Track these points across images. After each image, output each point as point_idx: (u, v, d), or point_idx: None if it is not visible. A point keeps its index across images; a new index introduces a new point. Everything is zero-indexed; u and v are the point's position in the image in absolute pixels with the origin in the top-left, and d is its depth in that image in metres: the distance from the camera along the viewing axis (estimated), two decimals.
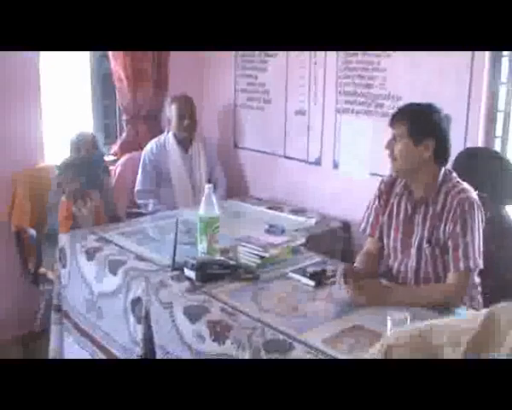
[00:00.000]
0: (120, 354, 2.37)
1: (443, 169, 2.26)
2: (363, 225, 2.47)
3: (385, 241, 2.40)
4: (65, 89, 3.97)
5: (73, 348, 2.70)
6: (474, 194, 2.21)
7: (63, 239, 2.77)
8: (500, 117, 3.00)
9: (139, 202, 3.72)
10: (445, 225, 2.19)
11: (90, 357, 2.57)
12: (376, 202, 2.42)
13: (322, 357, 1.75)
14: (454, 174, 2.27)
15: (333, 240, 3.33)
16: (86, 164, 3.27)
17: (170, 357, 2.12)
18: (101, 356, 2.49)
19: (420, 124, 2.21)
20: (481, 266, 2.16)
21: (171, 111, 3.76)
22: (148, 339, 2.21)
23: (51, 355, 2.85)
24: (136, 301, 2.26)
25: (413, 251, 2.29)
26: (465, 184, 2.24)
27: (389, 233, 2.37)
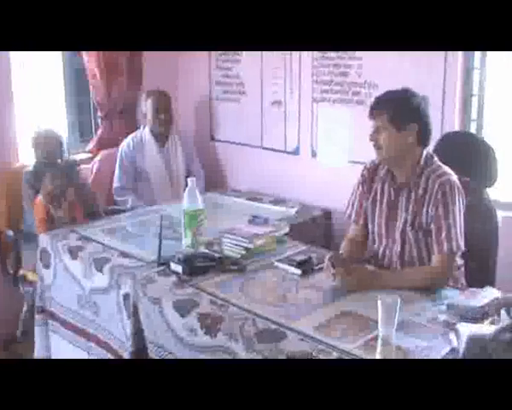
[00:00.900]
0: (118, 348, 2.35)
1: (424, 153, 2.28)
2: (348, 212, 2.48)
3: (369, 226, 2.41)
4: (37, 86, 3.90)
5: (63, 348, 2.67)
6: (454, 177, 2.24)
7: (44, 240, 2.73)
8: (474, 101, 3.05)
9: (117, 199, 3.69)
10: (428, 209, 2.22)
11: (84, 353, 2.55)
12: (360, 188, 2.43)
13: (316, 344, 1.76)
14: (435, 158, 2.29)
15: (314, 228, 3.36)
16: (59, 164, 3.23)
17: (163, 352, 2.11)
18: (99, 351, 2.47)
19: (399, 111, 2.23)
20: (463, 248, 2.20)
21: (146, 106, 3.73)
22: (139, 334, 2.20)
23: (37, 356, 2.81)
24: (127, 297, 2.25)
25: (397, 235, 2.31)
26: (446, 168, 2.26)
27: (373, 218, 2.39)
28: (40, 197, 3.13)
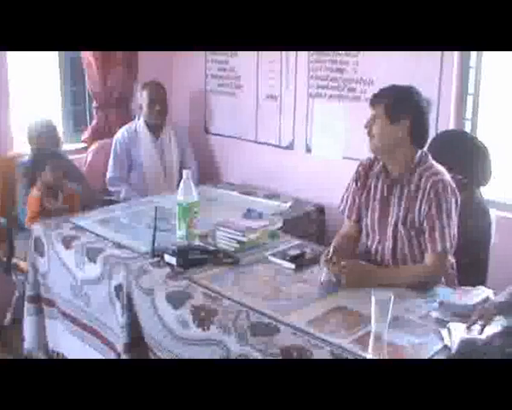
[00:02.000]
0: (111, 338, 2.35)
1: (419, 151, 2.29)
2: (341, 207, 2.49)
3: (363, 222, 2.43)
4: (32, 75, 3.89)
5: (61, 334, 2.66)
6: (447, 176, 2.24)
7: (38, 229, 2.72)
8: (470, 100, 3.06)
9: (111, 189, 3.69)
10: (420, 207, 2.23)
11: (80, 342, 2.55)
12: (354, 185, 2.44)
13: (308, 338, 1.77)
14: (429, 157, 2.30)
15: (308, 223, 3.37)
16: (57, 155, 3.23)
17: (154, 343, 2.12)
18: (93, 340, 2.47)
19: (397, 103, 2.24)
20: (455, 246, 2.21)
21: (142, 97, 3.72)
22: (135, 325, 2.20)
23: (26, 348, 2.81)
24: (119, 288, 2.25)
25: (389, 232, 2.32)
26: (439, 167, 2.27)
27: (367, 214, 2.40)
28: (35, 190, 3.12)
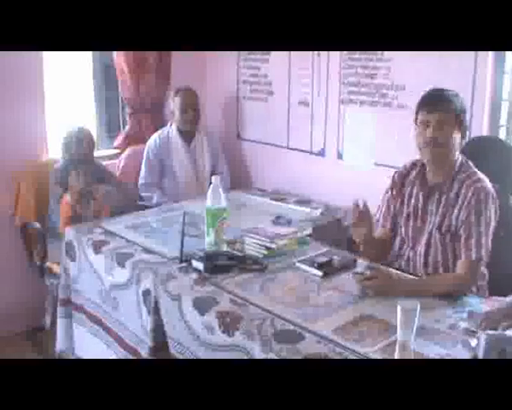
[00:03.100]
0: (133, 344, 2.38)
1: (460, 157, 2.25)
2: (377, 216, 2.48)
3: (398, 229, 2.40)
4: (67, 81, 3.96)
5: (86, 340, 2.70)
6: (489, 185, 2.20)
7: (70, 233, 2.77)
8: (504, 106, 3.00)
9: (143, 194, 3.72)
10: (459, 213, 2.19)
11: (104, 346, 2.58)
12: (389, 193, 2.43)
13: (333, 347, 1.76)
14: (471, 163, 2.26)
15: (338, 230, 3.34)
16: (87, 161, 3.29)
17: (181, 348, 2.13)
18: (116, 346, 2.50)
19: (461, 110, 2.21)
20: (489, 257, 2.17)
21: (174, 103, 3.75)
22: (159, 330, 2.22)
23: (58, 349, 2.86)
24: (147, 293, 2.27)
25: (424, 239, 2.29)
26: (481, 175, 2.23)
27: (401, 221, 2.38)
28: (68, 196, 3.19)
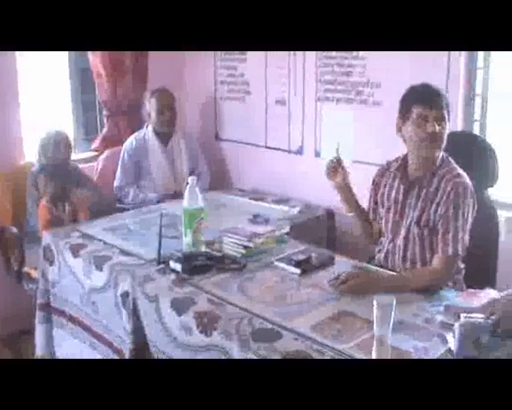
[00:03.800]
0: (118, 345, 2.37)
1: (441, 154, 2.27)
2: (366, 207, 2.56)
3: (379, 222, 2.44)
4: (43, 84, 3.93)
5: (68, 343, 2.68)
6: (468, 180, 2.22)
7: (47, 237, 2.75)
8: (478, 101, 3.03)
9: (119, 196, 3.70)
10: (437, 207, 2.21)
11: (89, 348, 2.56)
12: (371, 186, 2.49)
13: (310, 344, 1.76)
14: (451, 159, 2.28)
15: (317, 228, 3.35)
16: (64, 165, 3.26)
17: (157, 350, 2.12)
18: (102, 347, 2.49)
19: (447, 106, 2.23)
20: (465, 252, 2.19)
21: (150, 105, 3.73)
22: (139, 332, 2.21)
23: (39, 354, 2.83)
24: (125, 296, 2.26)
25: (402, 231, 2.31)
26: (461, 170, 2.25)
27: (381, 214, 2.42)
28: (43, 200, 3.17)
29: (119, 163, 3.73)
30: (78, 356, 2.63)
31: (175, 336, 2.03)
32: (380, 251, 2.45)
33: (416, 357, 1.70)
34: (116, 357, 2.39)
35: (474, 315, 1.74)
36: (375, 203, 2.48)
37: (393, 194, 2.36)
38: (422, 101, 2.20)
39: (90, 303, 2.50)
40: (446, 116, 2.21)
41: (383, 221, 2.41)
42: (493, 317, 1.74)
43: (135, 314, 2.23)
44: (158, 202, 3.51)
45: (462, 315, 1.73)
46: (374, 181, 2.49)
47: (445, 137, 2.23)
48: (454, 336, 1.73)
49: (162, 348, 2.10)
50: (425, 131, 2.19)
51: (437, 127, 2.18)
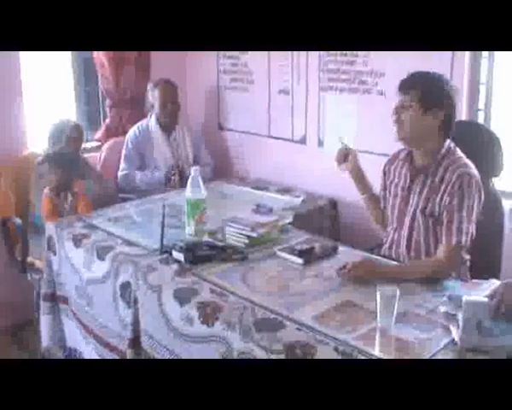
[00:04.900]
0: (112, 340, 2.36)
1: (447, 141, 2.26)
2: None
3: (386, 209, 2.45)
4: (46, 75, 3.92)
5: (76, 333, 2.67)
6: (475, 171, 2.20)
7: (50, 227, 2.74)
8: (482, 90, 3.01)
9: (123, 185, 3.70)
10: (442, 197, 2.20)
11: (83, 342, 2.57)
12: (381, 175, 2.50)
13: (313, 334, 1.76)
14: (458, 149, 2.27)
15: (320, 218, 3.34)
16: (64, 155, 3.25)
17: (153, 342, 2.12)
18: (94, 343, 2.49)
19: (431, 92, 2.20)
20: (470, 243, 2.18)
21: (153, 96, 3.73)
22: (137, 324, 2.20)
23: (44, 346, 2.82)
24: (126, 286, 2.25)
25: (407, 220, 2.31)
26: (468, 161, 2.23)
27: (389, 200, 2.43)
28: (46, 190, 3.17)
29: (123, 152, 3.73)
30: (83, 346, 2.63)
31: (175, 327, 2.01)
32: (385, 241, 2.44)
33: (419, 348, 1.70)
34: (109, 352, 2.39)
35: (475, 297, 1.76)
36: (385, 190, 2.48)
37: (401, 182, 2.36)
38: (399, 88, 2.25)
39: (85, 295, 2.50)
40: (422, 102, 2.18)
41: (390, 208, 2.41)
42: (494, 300, 1.74)
43: (135, 305, 2.22)
44: (166, 179, 3.56)
45: (465, 297, 1.73)
46: (384, 168, 2.49)
47: (419, 123, 2.20)
48: (457, 328, 1.73)
49: (159, 339, 2.09)
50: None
51: (401, 112, 2.22)
